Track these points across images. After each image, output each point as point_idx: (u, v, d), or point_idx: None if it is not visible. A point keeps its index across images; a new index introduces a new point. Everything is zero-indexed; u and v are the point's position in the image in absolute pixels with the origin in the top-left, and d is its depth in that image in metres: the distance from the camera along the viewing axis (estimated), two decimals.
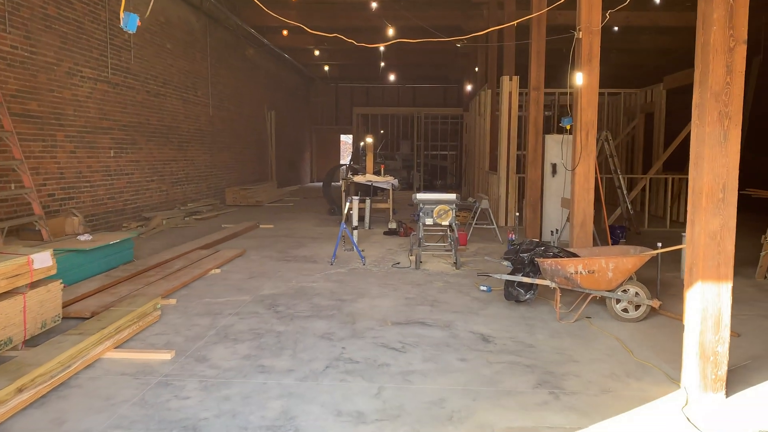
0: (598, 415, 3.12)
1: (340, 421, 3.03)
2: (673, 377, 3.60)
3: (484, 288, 5.79)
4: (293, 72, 21.59)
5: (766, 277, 6.27)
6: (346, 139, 27.97)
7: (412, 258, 7.15)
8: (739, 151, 3.20)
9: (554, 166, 8.52)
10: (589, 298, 4.86)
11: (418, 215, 7.11)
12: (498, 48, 12.60)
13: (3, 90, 6.80)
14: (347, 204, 7.99)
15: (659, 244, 4.95)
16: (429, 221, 7.03)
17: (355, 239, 7.65)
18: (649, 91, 12.33)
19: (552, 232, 8.36)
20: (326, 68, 21.16)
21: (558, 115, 13.31)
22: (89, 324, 4.06)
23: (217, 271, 6.60)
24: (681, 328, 3.48)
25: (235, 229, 9.41)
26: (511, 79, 10.32)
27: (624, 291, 4.79)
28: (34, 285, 4.09)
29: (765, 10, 10.75)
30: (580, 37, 5.66)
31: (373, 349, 4.10)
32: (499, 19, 11.71)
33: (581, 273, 4.73)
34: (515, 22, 8.28)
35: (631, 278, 4.83)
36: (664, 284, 5.71)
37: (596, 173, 6.02)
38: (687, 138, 9.47)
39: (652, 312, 4.88)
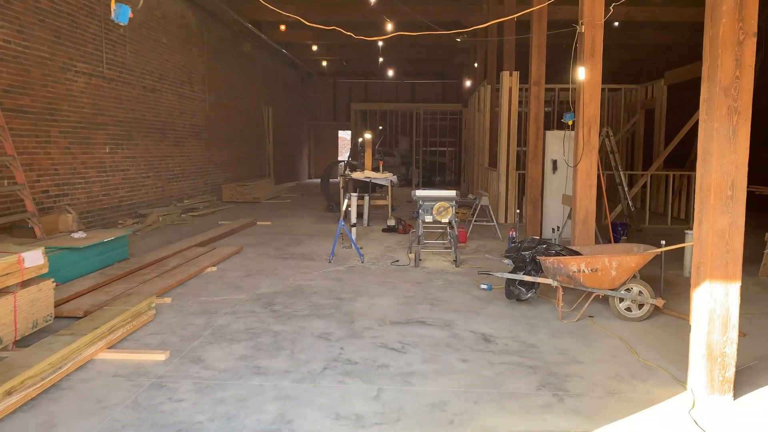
0: (604, 418, 3.04)
1: (338, 425, 2.95)
2: (678, 378, 3.52)
3: (485, 286, 5.71)
4: (291, 67, 21.45)
5: None
6: (345, 135, 27.82)
7: (412, 255, 7.07)
8: (749, 147, 3.12)
9: (555, 162, 8.43)
10: (592, 296, 4.78)
11: (418, 212, 7.03)
12: (498, 43, 12.50)
13: None
14: (345, 201, 7.90)
15: (663, 242, 4.88)
16: (428, 218, 6.95)
17: (354, 236, 7.57)
18: (650, 87, 12.24)
19: (553, 229, 8.29)
20: (324, 63, 21.04)
21: (558, 111, 13.23)
22: (82, 324, 3.97)
23: (214, 269, 6.51)
24: (685, 327, 3.41)
25: (232, 226, 9.31)
26: (511, 75, 10.24)
27: (627, 290, 4.71)
28: (25, 284, 4.00)
29: (765, 9, 10.64)
30: (583, 31, 5.54)
31: (372, 350, 4.02)
32: (498, 13, 11.60)
33: (584, 271, 4.65)
34: (515, 16, 8.16)
35: (634, 276, 4.76)
36: (667, 282, 5.63)
37: (598, 169, 5.93)
38: (688, 135, 9.40)
39: (655, 311, 4.81)
